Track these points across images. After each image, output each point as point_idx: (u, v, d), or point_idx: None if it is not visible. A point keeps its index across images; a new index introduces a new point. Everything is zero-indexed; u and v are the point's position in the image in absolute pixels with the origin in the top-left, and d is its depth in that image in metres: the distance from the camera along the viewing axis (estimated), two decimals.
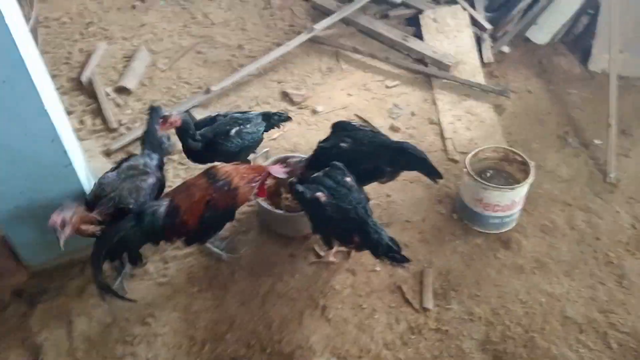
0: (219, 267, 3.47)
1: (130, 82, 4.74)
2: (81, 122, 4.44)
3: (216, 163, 3.33)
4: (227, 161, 3.38)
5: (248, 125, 3.57)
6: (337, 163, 3.23)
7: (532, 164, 3.51)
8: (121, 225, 2.94)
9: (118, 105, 4.61)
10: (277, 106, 4.65)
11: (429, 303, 3.26)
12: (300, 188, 3.10)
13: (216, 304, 3.29)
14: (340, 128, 3.52)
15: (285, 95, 4.75)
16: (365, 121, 4.47)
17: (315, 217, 3.16)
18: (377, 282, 3.39)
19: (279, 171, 3.31)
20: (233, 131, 3.49)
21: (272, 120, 3.76)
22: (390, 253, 2.95)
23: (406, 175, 3.86)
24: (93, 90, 4.68)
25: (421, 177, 3.46)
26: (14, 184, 2.96)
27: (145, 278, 3.42)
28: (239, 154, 3.57)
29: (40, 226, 3.18)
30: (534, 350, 3.04)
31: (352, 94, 4.78)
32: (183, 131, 3.37)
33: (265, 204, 3.51)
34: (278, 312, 3.23)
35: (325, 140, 3.48)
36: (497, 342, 3.08)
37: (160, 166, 3.39)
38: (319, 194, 3.03)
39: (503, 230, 3.63)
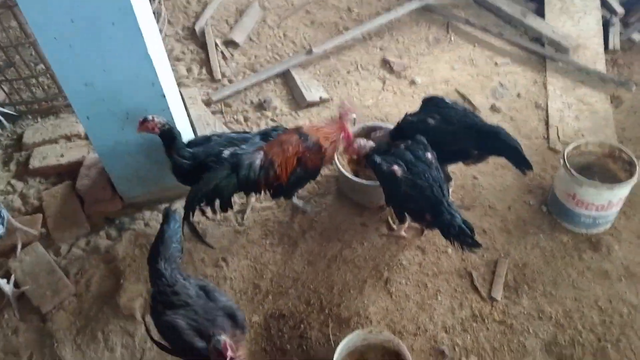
0: (292, 225, 3.56)
1: (239, 36, 4.90)
2: (188, 69, 4.68)
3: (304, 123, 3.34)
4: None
5: (244, 146, 3.21)
6: (420, 137, 3.14)
7: (639, 165, 3.19)
8: (217, 174, 3.08)
9: (224, 57, 4.80)
10: (376, 73, 4.59)
11: (498, 294, 3.13)
12: (377, 159, 3.06)
13: (284, 259, 3.39)
14: (431, 103, 3.41)
15: (386, 63, 4.66)
16: (464, 98, 4.28)
17: (390, 191, 3.12)
18: (446, 264, 3.30)
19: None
20: (226, 152, 3.17)
21: (272, 137, 3.33)
22: (461, 236, 2.85)
23: (498, 159, 3.68)
24: (204, 41, 4.90)
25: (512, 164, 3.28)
26: (114, 122, 3.21)
27: (224, 224, 3.60)
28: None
29: (135, 162, 3.47)
30: None
31: (456, 68, 4.58)
32: (167, 141, 3.15)
33: (345, 171, 3.52)
34: (342, 277, 3.26)
35: (413, 114, 3.39)
36: (564, 346, 2.90)
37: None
38: (395, 167, 2.98)
39: (594, 232, 3.36)
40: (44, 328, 3.17)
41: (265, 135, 3.37)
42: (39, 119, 4.37)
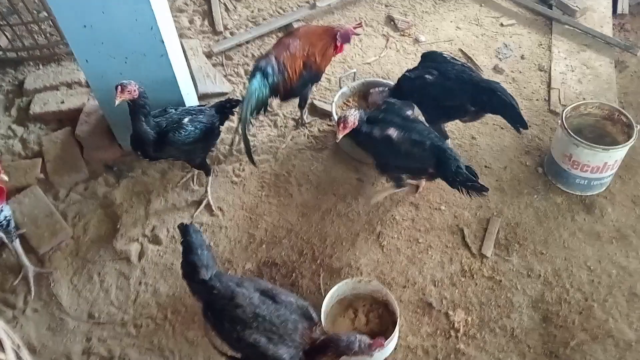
0: (289, 178, 3.59)
1: None
2: (191, 21, 4.64)
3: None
4: (179, 157, 3.31)
5: (201, 116, 3.22)
6: (390, 100, 3.14)
7: (637, 127, 3.17)
8: (252, 87, 3.29)
9: (227, 9, 4.74)
10: (380, 30, 4.53)
11: (488, 251, 3.16)
12: (365, 129, 2.98)
13: (279, 211, 3.43)
14: (429, 59, 3.38)
15: (390, 20, 4.60)
16: (468, 58, 4.24)
17: (386, 156, 3.07)
18: (439, 221, 3.33)
19: (346, 34, 3.49)
20: (186, 119, 3.15)
21: (225, 109, 3.40)
22: (468, 182, 2.84)
23: (497, 120, 3.68)
24: None
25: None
26: (112, 66, 3.20)
27: (221, 175, 3.63)
28: (194, 149, 3.25)
29: None
30: (589, 320, 2.87)
31: (461, 28, 4.52)
32: (138, 107, 2.97)
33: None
34: (335, 230, 3.30)
35: (412, 70, 3.37)
36: (551, 303, 2.95)
37: None
38: (390, 131, 2.95)
39: (588, 193, 3.37)
40: (40, 268, 3.24)
41: (219, 107, 3.38)
42: (41, 66, 4.36)
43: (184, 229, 2.65)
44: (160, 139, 3.09)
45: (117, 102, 2.88)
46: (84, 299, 3.12)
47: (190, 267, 2.56)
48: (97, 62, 3.17)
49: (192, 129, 3.14)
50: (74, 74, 4.20)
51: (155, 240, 3.34)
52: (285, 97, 3.60)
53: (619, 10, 4.48)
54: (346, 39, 3.53)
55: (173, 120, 3.15)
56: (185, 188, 3.58)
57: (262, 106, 3.42)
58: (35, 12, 4.47)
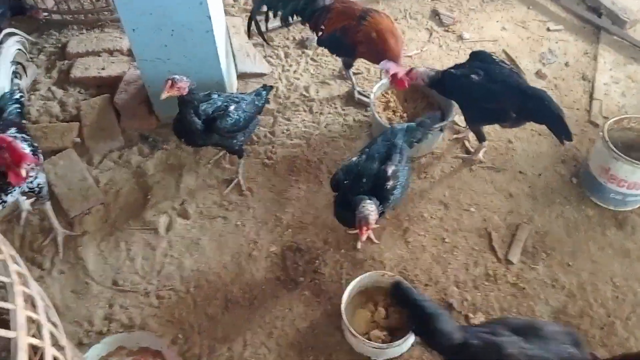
0: (320, 165, 3.59)
1: None
2: None
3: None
4: (221, 144, 3.28)
5: (244, 103, 3.21)
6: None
7: None
8: None
9: None
10: (424, 24, 4.48)
11: (515, 257, 3.14)
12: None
13: (308, 197, 3.44)
14: (477, 58, 3.32)
15: (435, 15, 4.54)
16: (511, 59, 4.17)
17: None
18: (467, 222, 3.31)
19: (389, 68, 3.34)
20: (232, 107, 3.13)
21: (261, 96, 3.41)
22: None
23: (535, 125, 3.62)
24: None
25: (551, 132, 3.20)
26: (158, 38, 3.23)
27: (252, 155, 3.65)
28: (237, 136, 3.25)
29: None
30: (610, 336, 2.84)
31: (506, 28, 4.45)
32: (187, 102, 2.96)
33: (379, 118, 3.51)
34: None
35: (457, 67, 3.33)
36: (573, 316, 2.92)
37: None
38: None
39: (622, 209, 3.31)
40: (70, 231, 3.30)
41: (258, 95, 3.39)
42: (84, 31, 4.41)
43: (406, 295, 2.38)
44: (206, 127, 3.08)
45: (163, 97, 2.86)
46: (109, 265, 3.18)
47: (440, 336, 2.23)
48: (143, 32, 3.20)
49: (237, 117, 3.14)
50: (117, 41, 4.24)
51: (184, 214, 3.37)
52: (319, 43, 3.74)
53: None
54: (384, 66, 3.41)
55: (219, 107, 3.13)
56: (217, 165, 3.61)
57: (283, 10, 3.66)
58: None
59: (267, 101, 3.51)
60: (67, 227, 3.31)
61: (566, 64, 4.17)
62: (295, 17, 3.81)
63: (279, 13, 3.78)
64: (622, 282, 3.04)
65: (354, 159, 2.91)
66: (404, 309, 2.49)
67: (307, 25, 3.80)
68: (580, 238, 3.23)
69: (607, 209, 3.33)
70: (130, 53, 4.11)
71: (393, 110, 3.66)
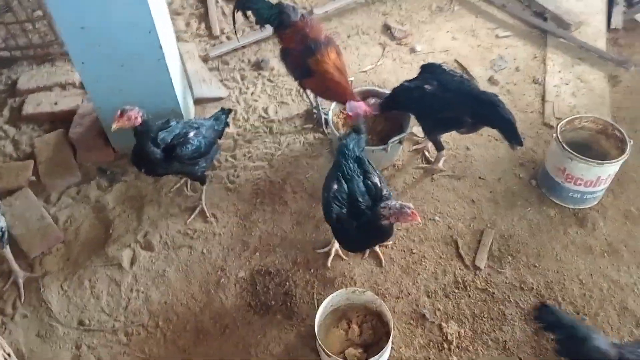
0: (283, 185, 3.58)
1: None
2: (187, 24, 4.63)
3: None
4: (182, 171, 3.26)
5: (204, 129, 3.19)
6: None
7: (630, 142, 3.20)
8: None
9: (224, 14, 4.73)
10: (376, 39, 4.55)
11: (482, 263, 3.17)
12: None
13: (274, 218, 3.42)
14: (428, 70, 3.39)
15: (387, 29, 4.61)
16: (464, 68, 4.26)
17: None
18: (433, 232, 3.33)
19: (356, 108, 3.30)
20: (191, 133, 3.10)
21: (220, 120, 3.39)
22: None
23: (491, 131, 3.69)
24: None
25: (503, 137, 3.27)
26: (109, 69, 3.18)
27: (215, 181, 3.61)
28: (198, 163, 3.21)
29: None
30: None
31: (457, 38, 4.55)
32: (143, 132, 2.89)
33: (338, 134, 3.52)
34: (329, 239, 3.29)
35: (411, 80, 3.38)
36: None
37: None
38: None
39: (581, 207, 3.39)
40: (30, 273, 3.20)
41: (216, 119, 3.38)
42: (34, 66, 4.32)
43: (557, 318, 2.43)
44: (166, 155, 3.03)
45: (114, 128, 2.78)
46: (74, 305, 3.09)
47: (596, 355, 2.25)
48: (93, 64, 3.16)
49: (198, 143, 3.10)
50: (68, 74, 4.17)
51: (148, 247, 3.31)
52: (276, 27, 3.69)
53: (613, 25, 4.52)
54: (352, 110, 3.37)
55: (178, 135, 3.09)
56: (179, 194, 3.56)
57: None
58: (30, 10, 4.43)
59: (227, 124, 3.49)
60: (27, 268, 3.21)
61: (517, 69, 4.28)
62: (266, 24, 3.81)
63: (253, 18, 3.80)
64: (588, 279, 3.10)
65: (334, 186, 2.83)
66: (553, 333, 2.48)
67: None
68: (544, 238, 3.29)
69: (567, 208, 3.41)
70: (82, 86, 4.04)
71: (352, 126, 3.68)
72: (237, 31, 4.53)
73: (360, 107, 3.29)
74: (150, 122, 2.91)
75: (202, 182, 3.41)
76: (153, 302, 3.08)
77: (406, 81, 3.38)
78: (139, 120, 2.81)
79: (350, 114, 3.30)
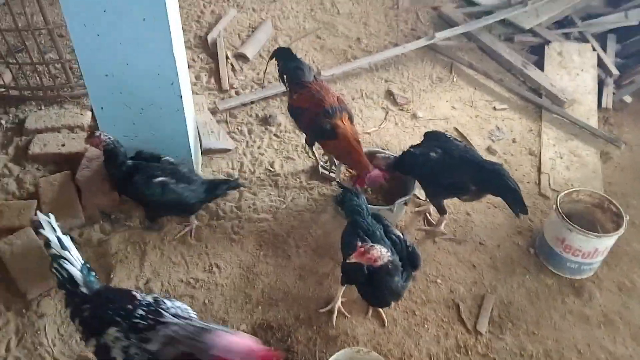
0: (288, 238, 3.61)
1: (249, 51, 5.00)
2: (197, 77, 4.75)
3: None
4: (143, 204, 3.47)
5: (181, 185, 3.29)
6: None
7: (626, 217, 3.34)
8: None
9: (234, 69, 4.89)
10: (379, 103, 4.73)
11: (483, 328, 3.21)
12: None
13: (277, 272, 3.43)
14: (433, 138, 3.53)
15: (390, 95, 4.81)
16: (463, 136, 4.43)
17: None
18: (435, 294, 3.38)
19: (376, 179, 3.42)
20: (158, 179, 3.25)
21: (219, 190, 3.44)
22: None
23: (491, 198, 3.81)
24: (215, 51, 4.98)
25: (507, 205, 3.38)
26: (128, 115, 3.25)
27: (219, 231, 3.63)
28: (156, 207, 3.42)
29: None
30: None
31: (456, 108, 4.75)
32: (107, 158, 3.30)
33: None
34: (332, 296, 3.30)
35: (416, 146, 3.51)
36: None
37: None
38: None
39: (578, 277, 3.49)
40: (27, 315, 3.12)
41: (212, 184, 3.44)
42: (43, 107, 4.36)
43: None
44: (126, 178, 3.27)
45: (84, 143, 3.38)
46: (71, 349, 3.00)
47: None
48: (112, 110, 3.24)
49: (158, 190, 3.24)
50: (77, 117, 4.21)
51: (149, 294, 3.26)
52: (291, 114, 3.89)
53: (603, 105, 4.79)
54: (374, 183, 3.52)
55: (145, 171, 3.25)
56: (183, 242, 3.56)
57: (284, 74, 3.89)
58: (43, 51, 4.51)
59: (225, 194, 3.57)
60: (23, 311, 3.13)
61: (513, 140, 4.47)
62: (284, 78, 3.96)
63: (277, 69, 4.00)
64: (586, 349, 3.15)
65: (358, 243, 2.76)
66: None
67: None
68: (542, 306, 3.35)
69: (564, 278, 3.50)
70: (92, 129, 4.09)
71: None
72: (245, 88, 4.69)
73: (379, 177, 3.40)
74: (118, 150, 3.23)
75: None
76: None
77: (412, 147, 3.51)
78: (101, 148, 3.22)
79: (370, 185, 3.43)
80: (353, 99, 4.73)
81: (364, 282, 2.83)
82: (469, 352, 3.11)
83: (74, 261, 2.53)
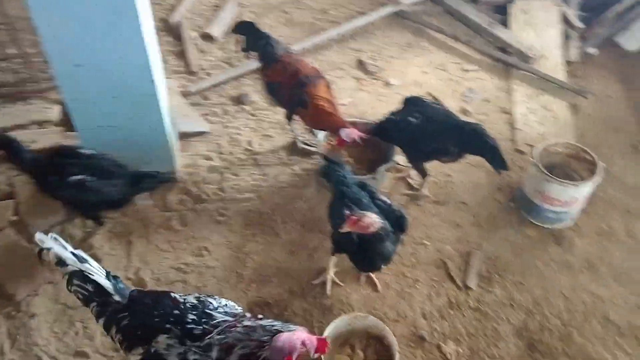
0: (274, 216, 3.62)
1: (215, 31, 4.92)
2: (165, 61, 4.64)
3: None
4: (59, 200, 3.25)
5: (102, 181, 3.10)
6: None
7: (601, 164, 3.45)
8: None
9: (201, 50, 4.81)
10: (351, 73, 4.73)
11: (472, 283, 3.30)
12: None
13: (267, 249, 3.44)
14: (412, 103, 3.56)
15: (361, 64, 4.81)
16: (436, 100, 4.48)
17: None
18: (423, 255, 3.45)
19: (351, 134, 3.41)
20: (75, 178, 3.04)
21: (144, 183, 3.25)
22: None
23: (470, 158, 3.87)
24: (179, 33, 4.89)
25: (484, 162, 3.46)
26: (101, 105, 3.18)
27: (203, 214, 3.61)
28: (78, 207, 3.28)
29: (117, 150, 3.43)
30: (570, 345, 3.04)
31: (427, 72, 4.79)
32: (8, 151, 3.11)
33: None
34: (323, 267, 3.34)
35: (396, 113, 3.53)
36: (534, 331, 3.10)
37: None
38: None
39: (558, 226, 3.60)
40: (17, 316, 3.08)
41: (135, 177, 3.20)
42: (8, 104, 4.22)
43: None
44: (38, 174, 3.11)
45: None
46: (66, 347, 2.98)
47: None
48: (85, 100, 3.15)
49: (74, 190, 3.06)
50: (45, 112, 4.10)
51: (140, 283, 3.25)
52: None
53: (569, 59, 4.89)
54: (348, 136, 3.47)
55: (57, 167, 3.05)
56: (168, 228, 3.54)
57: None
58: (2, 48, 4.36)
59: (152, 187, 3.38)
60: (13, 312, 3.08)
61: (486, 100, 4.54)
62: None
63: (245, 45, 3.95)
64: (571, 294, 3.28)
65: (346, 212, 2.74)
66: None
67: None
68: (527, 257, 3.46)
69: (546, 228, 3.61)
70: (62, 123, 4.00)
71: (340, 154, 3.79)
72: (215, 68, 4.63)
73: (354, 132, 3.41)
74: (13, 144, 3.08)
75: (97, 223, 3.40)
76: None
77: (391, 113, 3.54)
78: None
79: (345, 139, 3.41)
80: (325, 72, 4.70)
81: (355, 250, 2.88)
82: (461, 308, 3.20)
83: (98, 272, 2.38)
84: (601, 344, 3.06)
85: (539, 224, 3.62)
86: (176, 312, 2.24)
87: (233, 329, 2.13)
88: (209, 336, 2.13)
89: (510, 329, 3.11)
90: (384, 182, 3.81)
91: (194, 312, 2.23)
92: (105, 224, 3.46)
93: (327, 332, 2.84)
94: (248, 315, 2.26)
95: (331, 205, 3.09)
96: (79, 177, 3.05)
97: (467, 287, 3.28)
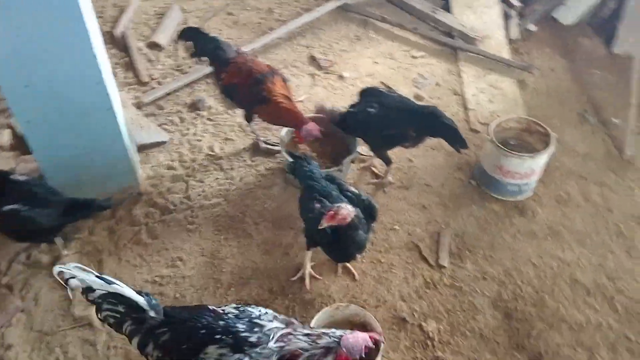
0: (244, 218, 3.63)
1: (162, 39, 4.86)
2: (113, 74, 4.55)
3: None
4: None
5: (36, 210, 2.99)
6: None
7: (553, 135, 3.61)
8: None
9: (150, 60, 4.74)
10: (305, 70, 4.77)
11: (445, 261, 3.40)
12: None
13: (241, 252, 3.45)
14: (368, 94, 3.64)
15: (313, 60, 4.85)
16: (390, 89, 4.57)
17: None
18: (395, 240, 3.53)
19: (311, 131, 3.46)
20: (8, 207, 2.94)
21: (81, 213, 3.18)
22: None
23: (428, 142, 3.98)
24: (125, 45, 4.80)
25: (442, 144, 3.57)
26: (57, 124, 3.11)
27: (173, 224, 3.58)
28: (6, 233, 3.16)
29: (78, 168, 3.36)
30: (543, 310, 3.18)
31: (378, 62, 4.87)
32: None
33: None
34: (300, 263, 3.37)
35: (354, 105, 3.60)
36: (508, 300, 3.23)
37: None
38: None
39: (520, 198, 3.75)
40: None
41: (69, 205, 3.11)
42: None
43: None
44: None
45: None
46: None
47: None
48: (39, 123, 3.07)
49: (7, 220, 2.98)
50: None
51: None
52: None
53: (511, 36, 5.08)
54: (308, 134, 3.56)
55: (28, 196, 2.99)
56: (138, 242, 3.49)
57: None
58: None
59: (87, 214, 3.29)
60: None
61: (437, 84, 4.67)
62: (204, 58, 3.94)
63: (194, 50, 3.94)
64: (539, 261, 3.43)
65: (317, 205, 2.86)
66: None
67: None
68: (493, 231, 3.60)
69: (508, 201, 3.75)
70: (13, 148, 3.88)
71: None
72: (166, 77, 4.58)
73: (315, 129, 3.45)
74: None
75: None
76: (134, 356, 2.97)
77: (350, 106, 3.60)
78: None
79: (306, 137, 3.45)
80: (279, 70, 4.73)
81: (329, 242, 2.92)
82: (437, 286, 3.30)
83: (129, 290, 2.31)
84: (572, 304, 3.22)
85: (500, 197, 3.76)
86: (222, 322, 2.24)
87: (290, 336, 2.16)
88: (265, 345, 2.15)
89: (485, 301, 3.23)
90: (349, 173, 3.87)
91: (241, 321, 2.24)
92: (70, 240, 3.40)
93: (312, 325, 2.88)
94: (295, 322, 2.29)
95: (301, 201, 3.13)
96: (12, 206, 2.95)
97: (440, 266, 3.38)
